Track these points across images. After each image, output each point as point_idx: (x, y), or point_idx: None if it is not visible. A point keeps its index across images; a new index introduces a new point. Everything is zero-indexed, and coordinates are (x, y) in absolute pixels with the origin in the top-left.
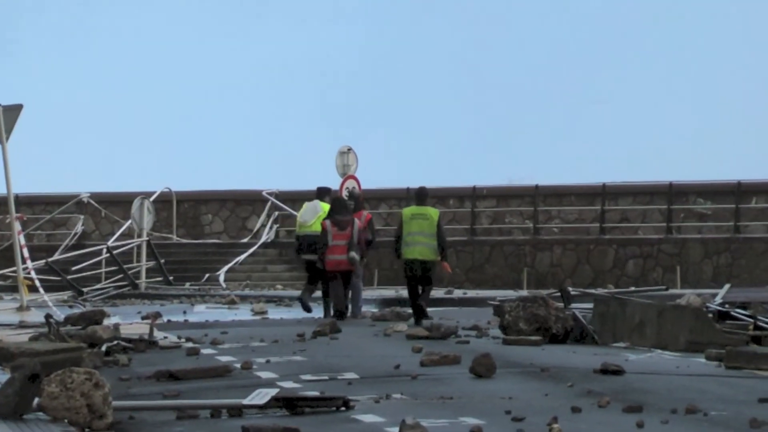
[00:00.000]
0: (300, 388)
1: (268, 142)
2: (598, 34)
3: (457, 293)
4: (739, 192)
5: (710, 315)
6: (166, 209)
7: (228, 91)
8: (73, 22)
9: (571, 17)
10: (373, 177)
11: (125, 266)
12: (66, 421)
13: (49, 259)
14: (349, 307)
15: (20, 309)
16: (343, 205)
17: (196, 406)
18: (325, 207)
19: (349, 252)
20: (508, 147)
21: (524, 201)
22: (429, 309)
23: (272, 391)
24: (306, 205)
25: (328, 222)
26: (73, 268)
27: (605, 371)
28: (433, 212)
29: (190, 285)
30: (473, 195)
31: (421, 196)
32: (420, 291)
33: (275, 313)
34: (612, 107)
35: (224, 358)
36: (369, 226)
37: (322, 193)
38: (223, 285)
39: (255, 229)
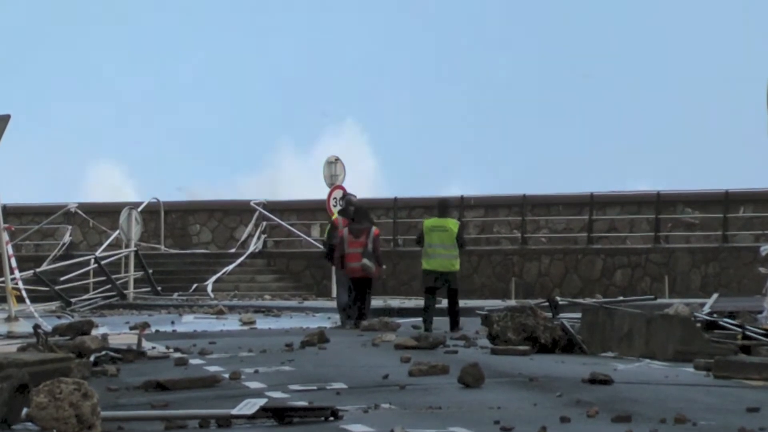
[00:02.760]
0: (288, 398)
1: (255, 151)
2: (586, 43)
3: (445, 303)
4: (727, 201)
5: (698, 324)
6: (154, 219)
7: (216, 100)
8: (59, 31)
9: (562, 22)
10: (360, 187)
11: (113, 276)
12: (54, 431)
13: (37, 270)
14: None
15: (8, 319)
16: (363, 214)
17: (184, 417)
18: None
19: (362, 259)
20: (496, 155)
21: (512, 211)
22: (416, 319)
23: (261, 401)
24: None
25: (345, 230)
26: (61, 279)
27: (594, 381)
28: (453, 224)
29: (178, 295)
30: (461, 205)
31: (442, 207)
32: (448, 303)
33: (263, 323)
34: (600, 113)
35: (212, 369)
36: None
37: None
38: (211, 295)
39: (242, 239)
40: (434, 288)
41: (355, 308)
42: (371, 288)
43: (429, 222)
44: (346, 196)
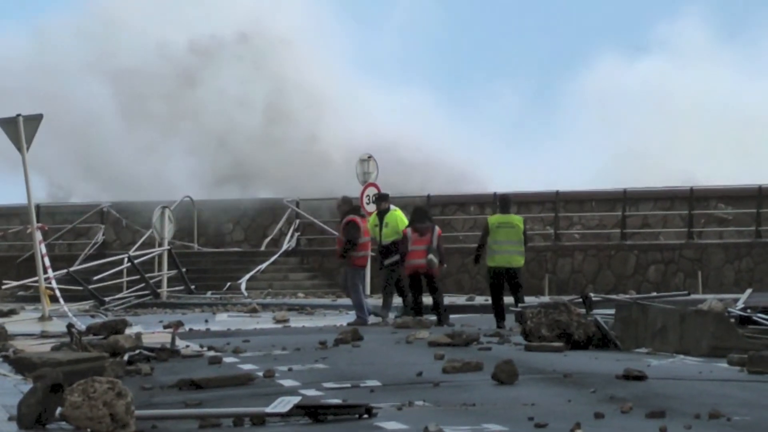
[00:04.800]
0: (322, 395)
1: (288, 149)
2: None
3: (479, 300)
4: (761, 196)
5: (732, 320)
6: (187, 218)
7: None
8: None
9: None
10: (394, 184)
11: (147, 275)
12: (89, 430)
13: (71, 269)
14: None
15: (42, 319)
16: (423, 213)
17: (218, 415)
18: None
19: (428, 255)
20: (528, 151)
21: (545, 207)
22: (450, 316)
23: (295, 399)
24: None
25: (409, 230)
26: (95, 278)
27: (628, 377)
28: (518, 220)
29: (212, 294)
30: (494, 202)
31: (505, 203)
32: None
33: (297, 321)
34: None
35: (246, 367)
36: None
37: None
38: (245, 293)
39: (272, 236)
40: (501, 285)
41: (411, 304)
42: (437, 285)
43: (494, 219)
44: (378, 193)
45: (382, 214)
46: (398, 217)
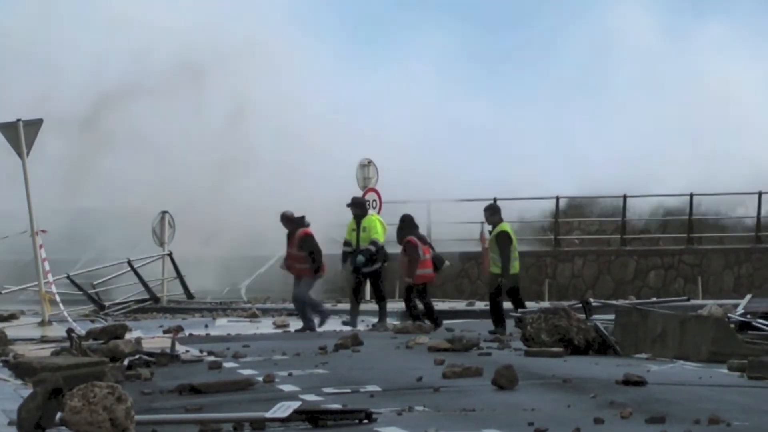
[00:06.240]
0: (322, 400)
1: (288, 154)
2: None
3: (479, 305)
4: (760, 202)
5: (732, 325)
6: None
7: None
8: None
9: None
10: (394, 190)
11: (147, 280)
12: None
13: (71, 273)
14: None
15: (42, 324)
16: (411, 222)
17: (218, 420)
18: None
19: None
20: (527, 157)
21: (545, 212)
22: (450, 321)
23: (294, 404)
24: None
25: (415, 239)
26: (95, 282)
27: (627, 382)
28: None
29: (212, 298)
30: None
31: (499, 211)
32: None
33: (297, 326)
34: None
35: (246, 372)
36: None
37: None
38: (245, 298)
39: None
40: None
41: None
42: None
43: (509, 226)
44: (353, 200)
45: (359, 218)
46: (376, 222)
